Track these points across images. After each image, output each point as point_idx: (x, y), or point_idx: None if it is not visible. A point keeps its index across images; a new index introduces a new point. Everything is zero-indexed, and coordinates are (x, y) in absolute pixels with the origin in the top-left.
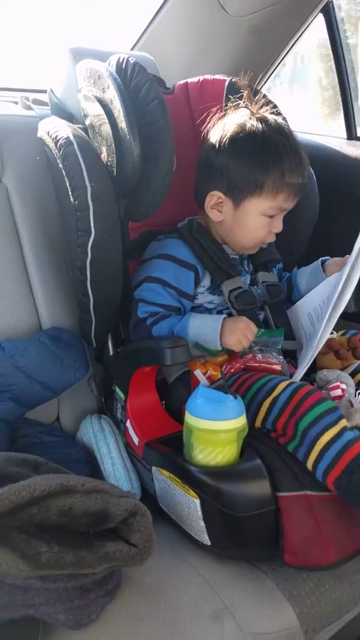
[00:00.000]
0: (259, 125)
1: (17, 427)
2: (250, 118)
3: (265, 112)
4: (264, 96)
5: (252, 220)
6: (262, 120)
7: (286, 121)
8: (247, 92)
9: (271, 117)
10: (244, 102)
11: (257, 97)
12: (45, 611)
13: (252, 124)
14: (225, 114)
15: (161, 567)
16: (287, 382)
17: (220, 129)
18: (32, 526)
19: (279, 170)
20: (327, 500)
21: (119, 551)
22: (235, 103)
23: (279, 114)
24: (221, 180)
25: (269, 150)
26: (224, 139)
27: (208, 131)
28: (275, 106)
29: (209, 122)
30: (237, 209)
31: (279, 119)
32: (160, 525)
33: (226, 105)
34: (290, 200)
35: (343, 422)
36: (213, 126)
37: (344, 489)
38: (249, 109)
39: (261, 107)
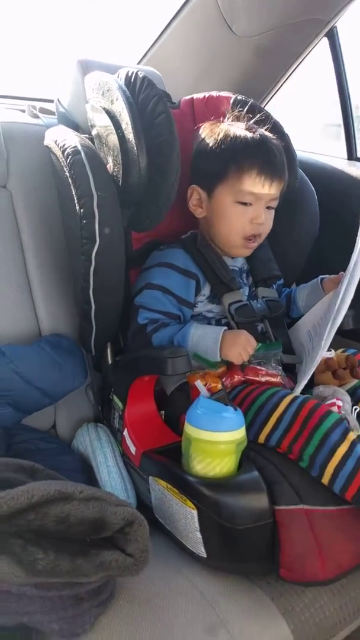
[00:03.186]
0: (227, 126)
1: (14, 432)
2: (224, 125)
3: (240, 121)
4: (264, 113)
5: (227, 209)
6: (231, 124)
7: (282, 135)
8: (224, 107)
9: (241, 122)
10: (225, 119)
11: (238, 111)
12: (39, 619)
13: (222, 127)
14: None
15: (156, 578)
16: (291, 397)
17: (197, 137)
18: (29, 532)
19: (239, 155)
20: (324, 515)
21: (114, 560)
22: (215, 120)
23: (273, 127)
24: (195, 175)
25: (231, 141)
26: (197, 143)
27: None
28: (270, 120)
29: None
30: (211, 200)
31: (251, 123)
32: (155, 537)
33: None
34: (259, 184)
35: (351, 436)
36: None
37: None
38: (223, 121)
39: (238, 119)
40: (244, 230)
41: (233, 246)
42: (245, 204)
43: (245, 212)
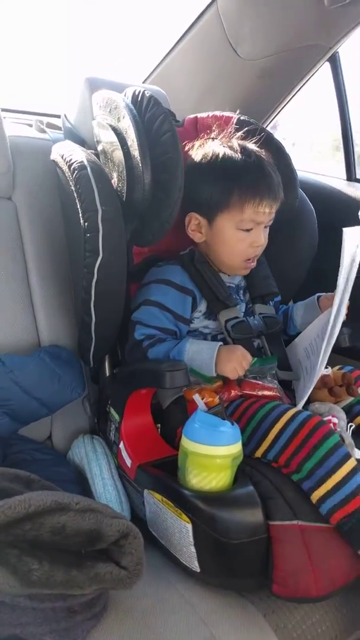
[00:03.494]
0: (222, 149)
1: (10, 443)
2: (216, 145)
3: (235, 140)
4: (264, 131)
5: (228, 236)
6: (227, 146)
7: (283, 155)
8: (216, 124)
9: (236, 142)
10: (213, 134)
11: (232, 129)
12: (32, 631)
13: (215, 149)
14: (193, 146)
15: (149, 592)
16: (292, 412)
17: (190, 158)
18: (24, 542)
19: (241, 185)
20: (318, 531)
21: (109, 573)
22: (206, 137)
23: (276, 148)
24: (194, 203)
25: (229, 168)
26: (191, 167)
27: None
28: (270, 141)
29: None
30: (212, 227)
31: (245, 143)
32: (149, 550)
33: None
34: (260, 213)
35: (352, 462)
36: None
37: (348, 531)
38: (216, 139)
39: (230, 136)
40: (246, 254)
41: (233, 268)
42: (248, 230)
43: (246, 238)
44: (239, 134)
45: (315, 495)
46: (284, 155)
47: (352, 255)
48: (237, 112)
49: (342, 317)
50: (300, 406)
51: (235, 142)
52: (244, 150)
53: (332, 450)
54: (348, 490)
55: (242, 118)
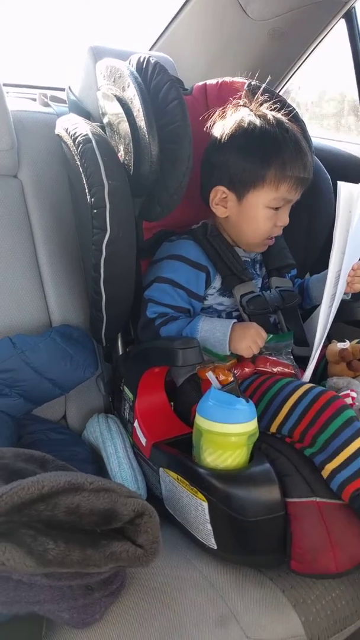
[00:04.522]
0: (257, 121)
1: (24, 423)
2: (249, 115)
3: (265, 109)
4: (278, 97)
5: (257, 213)
6: (261, 116)
7: (298, 121)
8: (244, 92)
9: (270, 113)
10: (243, 101)
11: (262, 97)
12: (50, 609)
13: (250, 119)
14: (225, 113)
15: (166, 569)
16: (306, 387)
17: (220, 127)
18: (39, 523)
19: (279, 161)
20: (336, 508)
21: (125, 551)
22: (235, 102)
23: (290, 113)
24: (224, 176)
25: (268, 143)
26: (224, 136)
27: (209, 130)
28: (286, 106)
29: (210, 122)
30: (241, 202)
31: (279, 115)
32: (165, 528)
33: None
34: (293, 191)
35: None
36: (213, 125)
37: None
38: (247, 107)
39: (261, 105)
40: (270, 233)
41: (252, 245)
42: (276, 209)
43: (273, 216)
44: (268, 104)
45: (328, 469)
46: (299, 121)
47: (348, 213)
48: (249, 75)
49: (343, 280)
50: (306, 377)
51: (269, 114)
52: (280, 124)
53: (346, 423)
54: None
55: (253, 83)
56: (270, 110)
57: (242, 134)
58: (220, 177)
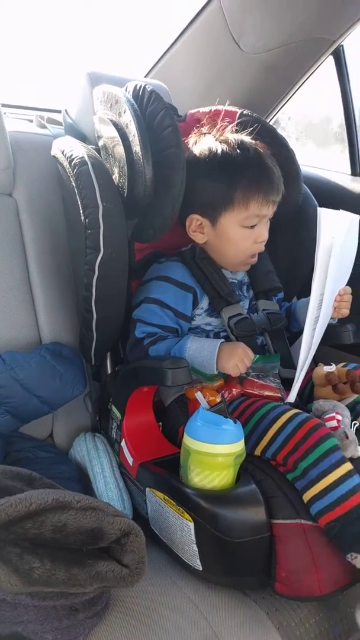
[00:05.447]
0: (218, 146)
1: (11, 441)
2: (211, 142)
3: (229, 133)
4: (268, 127)
5: (233, 234)
6: (223, 141)
7: (286, 150)
8: (205, 119)
9: (232, 137)
10: (205, 129)
11: (224, 122)
12: (34, 629)
13: (211, 146)
14: (187, 143)
15: (151, 590)
16: (292, 413)
17: (185, 157)
18: (26, 541)
19: (243, 181)
20: (321, 531)
21: (110, 571)
22: (198, 131)
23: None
24: (195, 204)
25: (229, 165)
26: (188, 166)
27: None
28: (277, 137)
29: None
30: (215, 227)
31: (242, 137)
32: (151, 548)
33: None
34: (264, 207)
35: (348, 465)
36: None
37: (335, 535)
38: (209, 133)
39: (223, 130)
40: (250, 250)
41: (236, 265)
42: (252, 227)
43: (250, 234)
44: (231, 126)
45: (307, 496)
46: (288, 150)
47: (329, 239)
48: (227, 103)
49: (329, 304)
50: (291, 398)
51: (230, 137)
52: (241, 144)
53: (327, 452)
54: (338, 494)
55: (245, 112)
56: (234, 133)
57: (205, 161)
58: (192, 205)
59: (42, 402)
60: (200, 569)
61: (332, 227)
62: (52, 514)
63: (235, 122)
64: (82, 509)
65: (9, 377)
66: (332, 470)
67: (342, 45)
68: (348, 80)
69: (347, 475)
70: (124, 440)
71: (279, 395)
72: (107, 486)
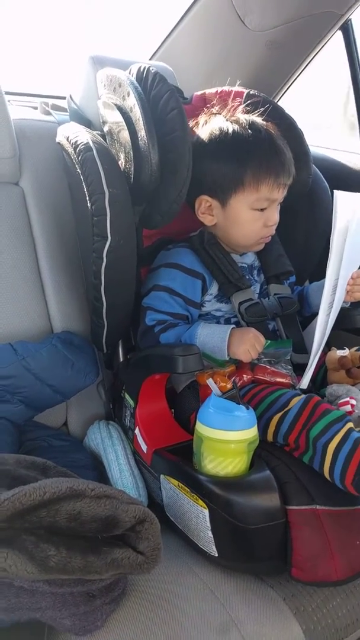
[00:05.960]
0: (230, 126)
1: (26, 430)
2: (222, 122)
3: (240, 114)
4: (275, 107)
5: (243, 217)
6: (234, 121)
7: (295, 131)
8: (216, 99)
9: (243, 117)
10: (216, 109)
11: (235, 102)
12: (51, 615)
13: (222, 126)
14: (197, 123)
15: (167, 577)
16: (299, 397)
17: (195, 137)
18: (41, 529)
19: (254, 162)
20: (336, 515)
21: (126, 558)
22: (209, 111)
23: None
24: (204, 185)
25: (241, 146)
26: (198, 147)
27: None
28: (284, 117)
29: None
30: (225, 208)
31: (253, 117)
32: (166, 535)
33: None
34: (275, 190)
35: (349, 425)
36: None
37: None
38: (220, 114)
39: (234, 110)
40: (260, 234)
41: (246, 247)
42: (262, 209)
43: (260, 217)
44: (242, 107)
45: (325, 469)
46: (297, 130)
47: (345, 222)
48: (238, 83)
49: (342, 288)
50: (304, 384)
51: (241, 117)
52: (252, 125)
53: (333, 422)
54: (345, 452)
55: (252, 92)
56: (245, 114)
57: (216, 141)
58: (202, 186)
59: (54, 391)
60: (216, 555)
61: (348, 209)
62: (66, 503)
63: (237, 101)
64: (96, 497)
65: (21, 367)
66: (336, 434)
67: (350, 20)
68: (357, 55)
69: (348, 433)
70: (137, 427)
71: (291, 382)
72: (122, 474)
